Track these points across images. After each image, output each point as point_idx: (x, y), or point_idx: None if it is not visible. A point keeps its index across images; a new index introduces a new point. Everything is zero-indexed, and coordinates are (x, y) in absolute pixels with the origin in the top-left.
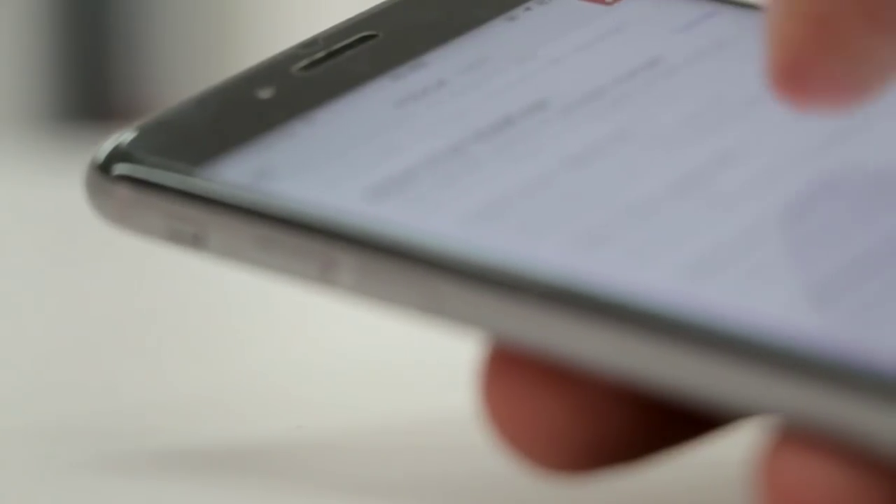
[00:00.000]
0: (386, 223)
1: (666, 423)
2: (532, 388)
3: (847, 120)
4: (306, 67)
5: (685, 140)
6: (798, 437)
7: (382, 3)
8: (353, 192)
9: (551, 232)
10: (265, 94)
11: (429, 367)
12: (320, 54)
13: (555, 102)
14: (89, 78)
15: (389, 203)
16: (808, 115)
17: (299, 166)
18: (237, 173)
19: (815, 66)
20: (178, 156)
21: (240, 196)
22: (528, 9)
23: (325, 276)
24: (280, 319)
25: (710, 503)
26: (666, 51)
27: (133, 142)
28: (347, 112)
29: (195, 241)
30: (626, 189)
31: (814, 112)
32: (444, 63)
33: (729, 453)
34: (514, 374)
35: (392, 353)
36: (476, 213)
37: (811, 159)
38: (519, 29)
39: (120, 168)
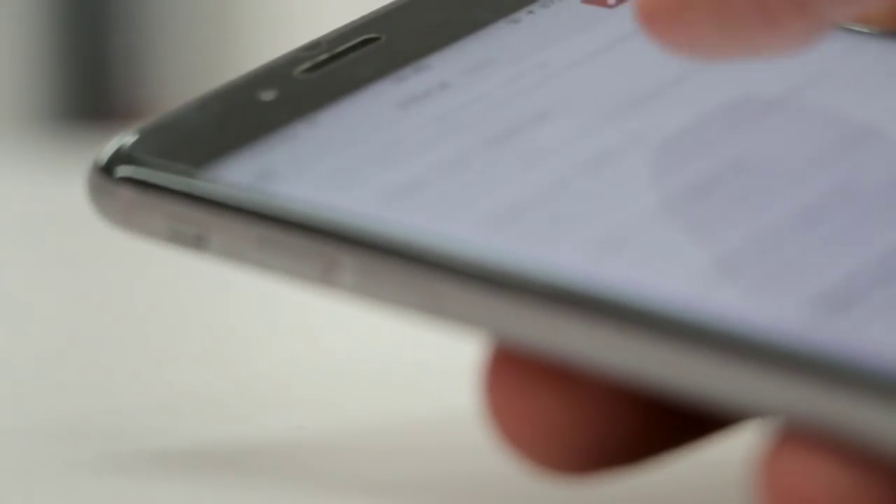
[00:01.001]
0: (387, 224)
1: (668, 425)
2: (534, 388)
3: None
4: (309, 70)
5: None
6: (798, 436)
7: (385, 6)
8: (355, 194)
9: (550, 233)
10: (268, 96)
11: (430, 368)
12: (323, 57)
13: (556, 108)
14: (89, 78)
15: (391, 204)
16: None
17: (301, 168)
18: (239, 175)
19: (680, 9)
20: (181, 158)
21: (242, 197)
22: (530, 11)
23: (326, 278)
24: (280, 320)
25: (710, 503)
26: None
27: (135, 144)
28: (350, 114)
29: (197, 243)
30: (615, 187)
31: (682, 56)
32: (447, 65)
33: (729, 453)
34: (515, 375)
35: (393, 354)
36: (477, 213)
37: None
38: (522, 31)
39: (122, 170)
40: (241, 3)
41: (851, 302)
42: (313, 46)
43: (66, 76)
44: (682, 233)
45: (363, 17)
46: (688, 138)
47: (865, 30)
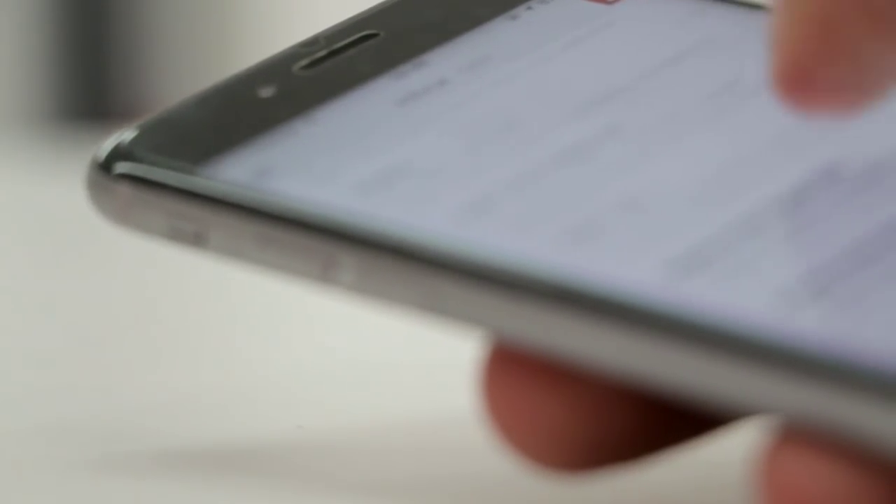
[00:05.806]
0: (387, 222)
1: (667, 422)
2: (533, 386)
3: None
4: (307, 66)
5: (688, 136)
6: (798, 436)
7: (384, 3)
8: (354, 191)
9: (550, 229)
10: (266, 92)
11: (429, 367)
12: (321, 53)
13: (555, 104)
14: (89, 78)
15: (390, 201)
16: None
17: (300, 165)
18: (238, 172)
19: (818, 70)
20: (180, 154)
21: (241, 194)
22: (529, 8)
23: (325, 275)
24: (281, 319)
25: (710, 503)
26: (667, 49)
27: (134, 140)
28: (348, 111)
29: (196, 240)
30: (618, 184)
31: (817, 116)
32: (446, 62)
33: (729, 452)
34: (515, 373)
35: (392, 353)
36: (476, 210)
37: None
38: (520, 28)
39: (121, 167)
40: (241, 3)
41: (856, 302)
42: (312, 43)
43: (66, 76)
44: (683, 230)
45: (362, 14)
46: (694, 135)
47: None
